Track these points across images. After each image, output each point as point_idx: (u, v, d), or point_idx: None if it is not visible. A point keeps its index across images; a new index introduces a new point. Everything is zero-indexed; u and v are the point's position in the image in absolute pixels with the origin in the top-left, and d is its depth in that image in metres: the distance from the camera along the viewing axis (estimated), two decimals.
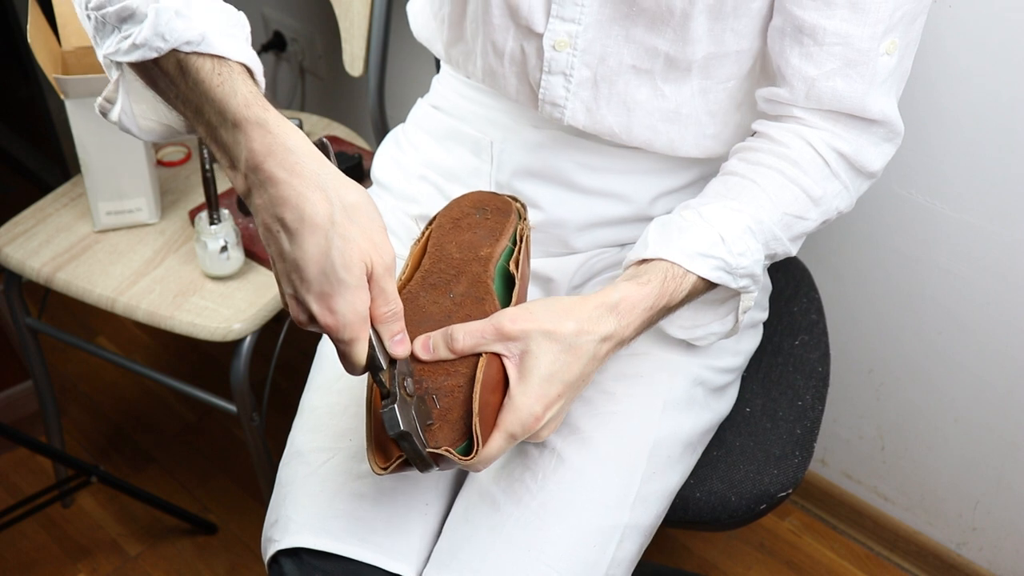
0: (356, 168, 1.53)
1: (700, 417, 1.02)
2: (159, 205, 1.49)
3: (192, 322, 1.34)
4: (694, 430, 1.01)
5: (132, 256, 1.43)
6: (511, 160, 1.08)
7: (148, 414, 1.92)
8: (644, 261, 0.90)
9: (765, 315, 1.16)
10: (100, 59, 0.80)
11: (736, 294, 0.94)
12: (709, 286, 0.91)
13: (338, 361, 1.00)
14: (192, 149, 1.62)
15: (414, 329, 0.86)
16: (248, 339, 1.36)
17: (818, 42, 0.91)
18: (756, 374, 1.16)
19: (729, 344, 1.06)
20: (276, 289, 1.37)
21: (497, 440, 0.81)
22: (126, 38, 0.77)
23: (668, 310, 0.90)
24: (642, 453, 0.95)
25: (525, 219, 0.97)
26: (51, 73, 1.34)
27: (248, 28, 0.81)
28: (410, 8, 1.17)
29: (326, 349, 1.08)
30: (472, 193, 1.00)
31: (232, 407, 1.44)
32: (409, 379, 0.81)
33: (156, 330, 2.02)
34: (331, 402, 1.00)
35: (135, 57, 0.76)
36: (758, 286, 0.94)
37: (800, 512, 1.72)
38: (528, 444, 0.95)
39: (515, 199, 0.99)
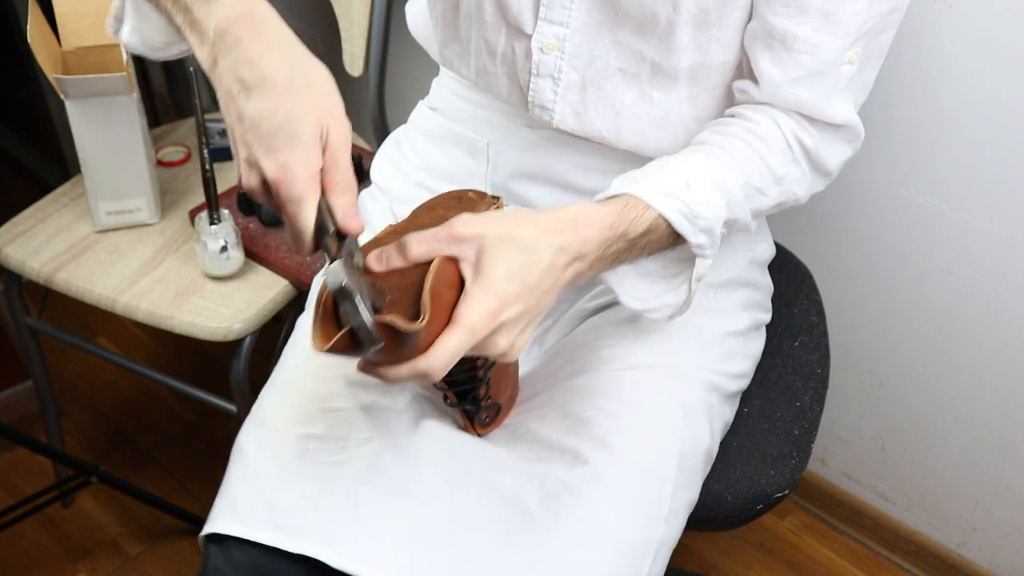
0: (356, 168, 1.53)
1: (715, 425, 1.02)
2: (159, 205, 1.49)
3: (192, 322, 1.34)
4: (712, 438, 1.01)
5: (132, 256, 1.43)
6: (506, 161, 1.08)
7: (148, 414, 1.92)
8: (612, 197, 0.89)
9: (768, 317, 1.16)
10: None
11: (691, 262, 0.93)
12: (668, 235, 0.89)
13: (294, 361, 0.99)
14: (192, 149, 1.62)
15: None
16: (248, 339, 1.36)
17: (788, 48, 0.92)
18: (755, 375, 1.16)
19: (739, 348, 1.06)
20: (276, 289, 1.38)
21: (454, 334, 0.77)
22: None
23: (628, 240, 0.87)
24: (671, 465, 0.94)
25: (500, 203, 0.95)
26: (51, 73, 1.34)
27: None
28: (408, 8, 1.17)
29: (289, 359, 1.05)
30: (452, 190, 0.99)
31: (232, 407, 1.44)
32: (358, 253, 0.79)
33: (156, 330, 2.02)
34: (277, 395, 1.00)
35: None
36: (714, 250, 0.92)
37: (800, 512, 1.72)
38: (555, 451, 0.92)
39: (494, 196, 0.97)
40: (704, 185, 0.90)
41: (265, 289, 1.38)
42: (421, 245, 0.80)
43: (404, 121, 1.23)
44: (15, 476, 1.80)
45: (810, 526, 1.70)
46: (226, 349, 1.39)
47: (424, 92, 1.21)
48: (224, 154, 1.60)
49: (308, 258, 0.78)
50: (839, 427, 1.62)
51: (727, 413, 1.06)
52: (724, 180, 0.91)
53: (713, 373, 1.02)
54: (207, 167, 1.32)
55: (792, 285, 1.28)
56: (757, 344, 1.11)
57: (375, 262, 0.81)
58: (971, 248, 1.33)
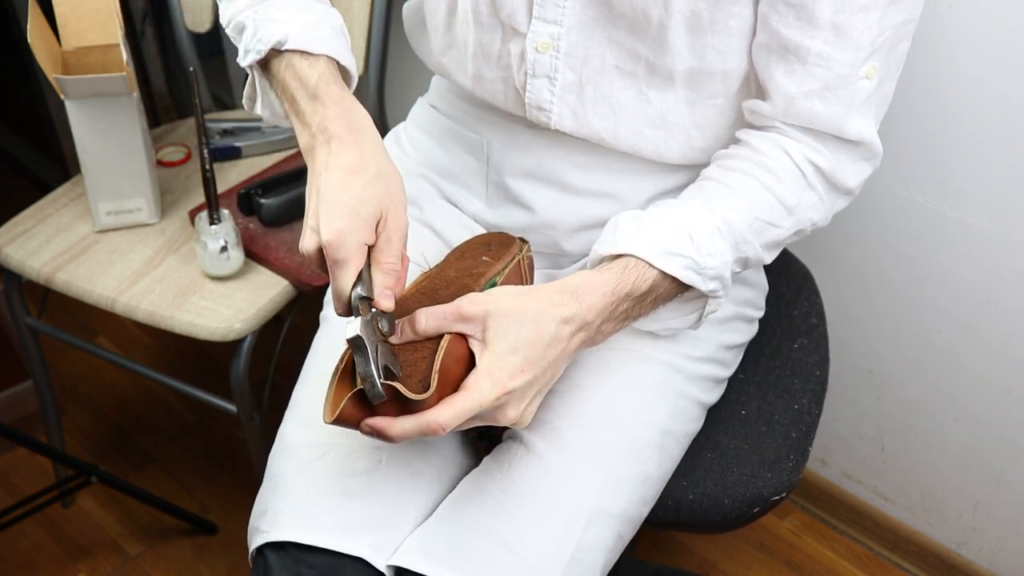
0: None
1: (677, 404, 1.02)
2: (159, 205, 1.49)
3: (192, 322, 1.34)
4: (671, 417, 1.01)
5: (132, 256, 1.43)
6: (505, 160, 1.08)
7: (148, 414, 1.92)
8: (614, 257, 0.91)
9: (759, 313, 1.16)
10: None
11: (703, 296, 0.95)
12: (676, 285, 0.92)
13: (333, 356, 1.02)
14: (192, 149, 1.62)
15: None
16: (248, 339, 1.36)
17: (801, 60, 0.92)
18: (753, 377, 1.16)
19: (711, 335, 1.07)
20: (276, 289, 1.38)
21: (463, 397, 0.82)
22: (242, 47, 0.97)
23: (633, 299, 0.90)
24: (610, 439, 0.96)
25: (526, 251, 1.01)
26: (51, 73, 1.34)
27: (337, 21, 0.97)
28: (406, 15, 1.18)
29: (322, 343, 1.08)
30: (483, 234, 1.06)
31: (232, 407, 1.44)
32: (385, 322, 0.86)
33: (156, 330, 2.01)
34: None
35: (248, 60, 0.96)
36: (727, 291, 0.94)
37: (800, 512, 1.72)
38: (504, 438, 0.96)
39: (522, 239, 1.03)
40: (707, 234, 0.91)
41: (265, 289, 1.38)
42: (430, 321, 0.86)
43: (404, 119, 1.23)
44: (15, 476, 1.80)
45: (810, 526, 1.70)
46: (226, 349, 1.39)
47: (424, 91, 1.21)
48: (224, 154, 1.60)
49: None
50: (839, 427, 1.62)
51: (699, 395, 1.06)
52: (730, 222, 0.93)
53: (674, 355, 1.03)
54: (207, 167, 1.32)
55: (792, 287, 1.28)
56: (736, 335, 1.11)
57: (392, 336, 0.87)
58: (971, 248, 1.33)
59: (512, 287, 0.88)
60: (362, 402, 0.81)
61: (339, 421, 0.81)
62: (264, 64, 0.97)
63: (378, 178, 0.88)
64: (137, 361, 1.72)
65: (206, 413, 1.91)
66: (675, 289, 0.92)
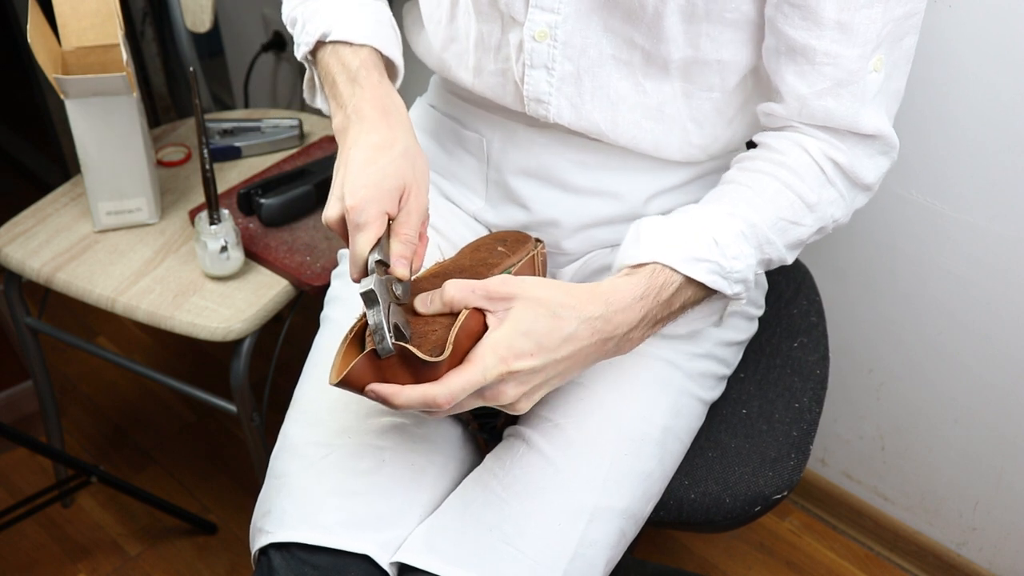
0: None
1: (679, 401, 1.02)
2: (159, 205, 1.49)
3: (192, 322, 1.34)
4: (672, 414, 1.01)
5: (132, 256, 1.43)
6: (505, 159, 1.08)
7: (148, 414, 1.92)
8: (639, 265, 0.91)
9: (759, 312, 1.16)
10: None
11: (725, 297, 0.95)
12: (702, 290, 0.92)
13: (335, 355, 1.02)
14: (192, 149, 1.62)
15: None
16: (248, 339, 1.36)
17: (810, 61, 0.93)
18: (753, 376, 1.16)
19: (710, 331, 1.07)
20: (276, 289, 1.38)
21: (466, 370, 0.82)
22: (296, 40, 1.05)
23: (660, 304, 0.90)
24: (611, 435, 0.96)
25: (540, 248, 1.02)
26: (51, 73, 1.34)
27: (384, 15, 1.05)
28: (406, 18, 1.18)
29: (322, 342, 1.08)
30: (498, 231, 1.07)
31: (232, 407, 1.45)
32: (399, 286, 0.87)
33: (156, 330, 2.02)
34: (330, 397, 1.00)
35: (301, 53, 1.03)
36: (749, 292, 0.95)
37: (800, 512, 1.72)
38: (508, 437, 0.97)
39: (537, 238, 1.04)
40: (732, 238, 0.91)
41: (265, 289, 1.38)
42: (456, 292, 0.86)
43: None
44: (15, 476, 1.80)
45: (810, 526, 1.70)
46: (226, 349, 1.39)
47: (424, 91, 1.22)
48: (224, 154, 1.60)
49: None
50: (839, 427, 1.62)
51: (699, 392, 1.06)
52: (753, 225, 0.93)
53: (674, 352, 1.03)
54: (207, 167, 1.32)
55: (792, 286, 1.28)
56: (737, 332, 1.12)
57: (419, 304, 0.89)
58: (971, 248, 1.33)
59: (544, 279, 0.89)
60: (370, 365, 0.81)
61: (345, 382, 0.81)
62: (315, 56, 1.03)
63: (404, 155, 0.93)
64: (137, 361, 1.72)
65: (206, 413, 1.91)
66: (701, 294, 0.93)
